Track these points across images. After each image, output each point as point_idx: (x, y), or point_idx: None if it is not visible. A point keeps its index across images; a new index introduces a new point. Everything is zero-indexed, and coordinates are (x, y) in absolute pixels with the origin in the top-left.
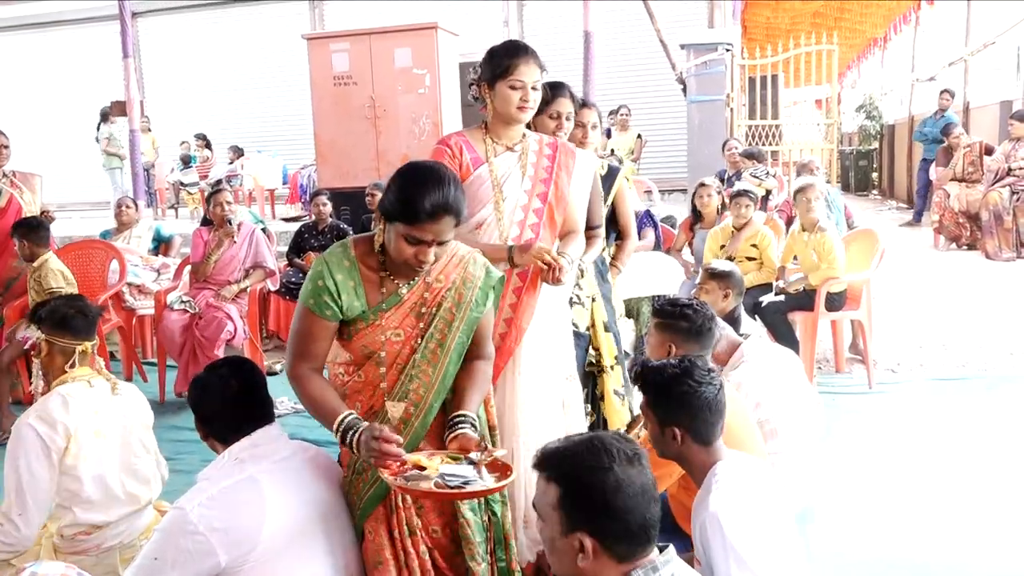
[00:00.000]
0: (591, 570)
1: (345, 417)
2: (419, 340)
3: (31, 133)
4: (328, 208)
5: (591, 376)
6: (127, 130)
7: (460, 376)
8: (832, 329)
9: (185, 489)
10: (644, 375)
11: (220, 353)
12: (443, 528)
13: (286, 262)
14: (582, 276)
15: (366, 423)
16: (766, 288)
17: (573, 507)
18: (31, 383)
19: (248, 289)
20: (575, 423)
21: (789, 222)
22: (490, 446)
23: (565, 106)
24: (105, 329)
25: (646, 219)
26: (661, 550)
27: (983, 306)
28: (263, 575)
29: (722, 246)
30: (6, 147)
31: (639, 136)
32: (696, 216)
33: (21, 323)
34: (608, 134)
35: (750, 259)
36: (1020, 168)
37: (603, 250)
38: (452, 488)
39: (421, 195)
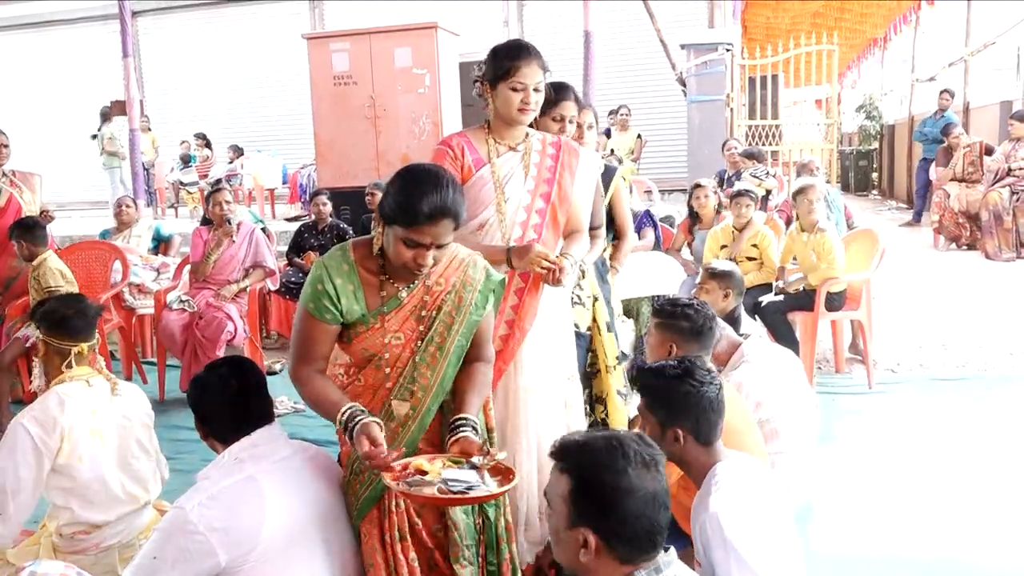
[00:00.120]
0: (592, 566)
1: (347, 409)
2: (419, 343)
3: (30, 132)
4: (328, 208)
5: (588, 377)
6: (127, 129)
7: (460, 378)
8: (832, 329)
9: (185, 489)
10: (643, 377)
11: (221, 353)
12: (445, 528)
13: (286, 262)
14: (583, 277)
15: (367, 417)
16: (766, 288)
17: (582, 502)
18: (31, 382)
19: (248, 289)
20: (576, 424)
21: (789, 222)
22: (491, 449)
23: (569, 109)
24: (106, 329)
25: (646, 219)
26: (664, 551)
27: (983, 306)
28: (263, 575)
29: (723, 246)
30: (6, 146)
31: (639, 136)
32: (694, 217)
33: (19, 321)
34: (608, 134)
35: (750, 259)
36: (1020, 168)
37: (604, 250)
38: (455, 493)
39: (419, 198)
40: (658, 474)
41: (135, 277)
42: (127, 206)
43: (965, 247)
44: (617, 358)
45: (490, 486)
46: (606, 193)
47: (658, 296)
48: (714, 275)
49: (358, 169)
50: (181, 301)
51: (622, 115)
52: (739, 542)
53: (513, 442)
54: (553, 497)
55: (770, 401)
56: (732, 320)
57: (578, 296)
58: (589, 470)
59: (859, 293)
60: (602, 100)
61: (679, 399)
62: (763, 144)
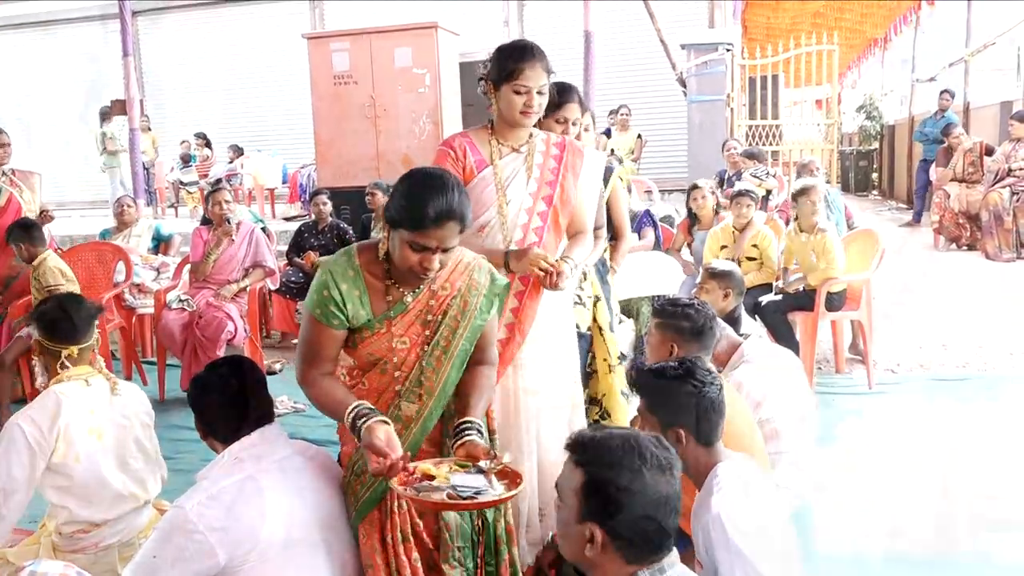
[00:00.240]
0: (597, 561)
1: (355, 407)
2: (424, 347)
3: (30, 131)
4: (328, 207)
5: (587, 377)
6: (126, 129)
7: (464, 381)
8: (832, 329)
9: (185, 489)
10: (644, 378)
11: (221, 353)
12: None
13: (286, 261)
14: (584, 279)
15: (375, 417)
16: (766, 288)
17: (593, 498)
18: (35, 380)
19: (248, 288)
20: (578, 425)
21: (789, 223)
22: (498, 453)
23: (573, 112)
24: (108, 329)
25: (646, 219)
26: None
27: (983, 306)
28: (263, 574)
29: (723, 247)
30: (8, 145)
31: (639, 136)
32: (693, 218)
33: (22, 320)
34: (608, 134)
35: (750, 259)
36: (1020, 169)
37: (604, 251)
38: (464, 499)
39: (425, 201)
40: (672, 478)
41: (135, 277)
42: (128, 206)
43: (965, 247)
44: (618, 358)
45: (498, 490)
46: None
47: (658, 296)
48: (714, 275)
49: (358, 169)
50: (181, 301)
51: (622, 115)
52: (742, 543)
53: (512, 443)
54: (565, 490)
55: (770, 401)
56: (732, 320)
57: (579, 296)
58: (605, 466)
59: (859, 293)
60: (602, 100)
61: (681, 399)
62: (763, 144)
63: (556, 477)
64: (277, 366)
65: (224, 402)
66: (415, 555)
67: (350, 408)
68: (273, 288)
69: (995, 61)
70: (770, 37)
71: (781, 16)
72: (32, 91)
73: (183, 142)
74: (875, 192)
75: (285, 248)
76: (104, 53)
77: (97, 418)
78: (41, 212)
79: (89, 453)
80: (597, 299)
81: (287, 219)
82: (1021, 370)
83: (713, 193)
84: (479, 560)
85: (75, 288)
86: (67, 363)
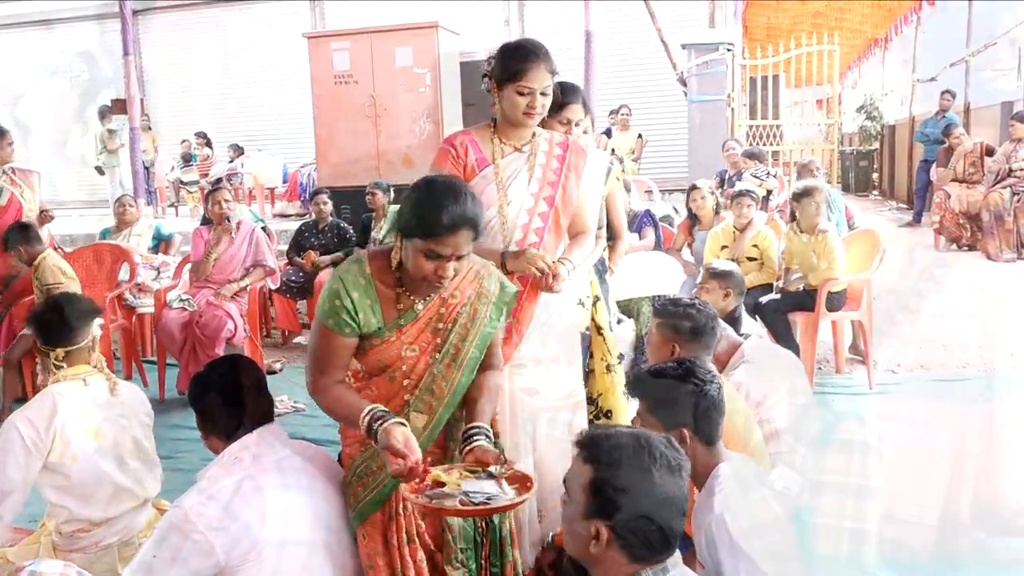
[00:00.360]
0: (600, 559)
1: (370, 410)
2: (434, 355)
3: (29, 130)
4: (328, 207)
5: (585, 377)
6: (126, 128)
7: (471, 387)
8: (832, 329)
9: (185, 488)
10: (644, 380)
11: (221, 352)
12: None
13: (286, 261)
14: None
15: (390, 419)
16: (767, 288)
17: (601, 495)
18: (35, 379)
19: (248, 287)
20: (580, 425)
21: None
22: (508, 458)
23: (576, 113)
24: (111, 328)
25: (646, 218)
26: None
27: (984, 307)
28: (262, 574)
29: (724, 247)
30: (10, 144)
31: (640, 136)
32: (693, 218)
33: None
34: (608, 134)
35: (751, 259)
36: (1021, 169)
37: (604, 250)
38: (477, 505)
39: (438, 209)
40: (681, 480)
41: (136, 277)
42: (129, 205)
43: (966, 248)
44: (618, 358)
45: (509, 494)
46: None
47: (659, 296)
48: (715, 275)
49: (358, 168)
50: (181, 300)
51: (623, 115)
52: (745, 543)
53: (509, 443)
54: (572, 486)
55: (770, 401)
56: (732, 320)
57: (579, 297)
58: (614, 464)
59: (859, 293)
60: (602, 100)
61: (682, 400)
62: (764, 144)
63: (554, 477)
64: (277, 365)
65: (224, 401)
66: (420, 555)
67: (364, 412)
68: (273, 288)
69: (996, 61)
70: (771, 37)
71: (782, 16)
72: (29, 90)
73: (183, 141)
74: (875, 192)
75: (285, 247)
76: (102, 52)
77: (95, 417)
78: (41, 212)
79: (86, 452)
80: (596, 299)
81: (282, 216)
82: (1021, 370)
83: (713, 193)
84: (483, 562)
85: (75, 285)
86: (63, 363)
